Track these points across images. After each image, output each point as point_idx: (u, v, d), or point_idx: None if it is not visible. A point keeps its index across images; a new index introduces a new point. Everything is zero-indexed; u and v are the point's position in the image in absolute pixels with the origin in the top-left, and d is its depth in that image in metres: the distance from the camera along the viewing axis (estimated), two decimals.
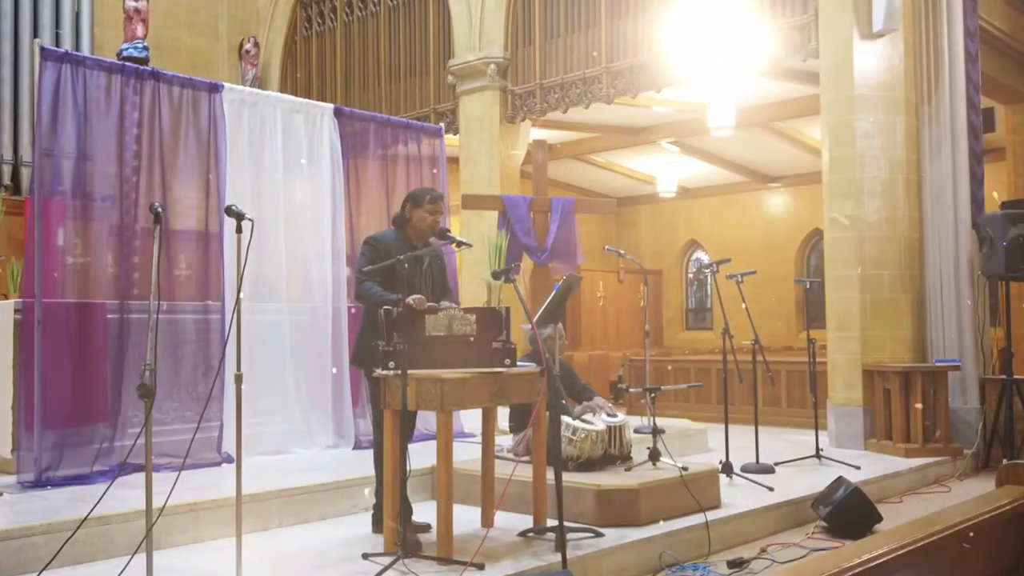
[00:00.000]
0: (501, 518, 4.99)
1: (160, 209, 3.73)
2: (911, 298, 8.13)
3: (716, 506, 5.52)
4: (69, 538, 4.08)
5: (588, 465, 5.44)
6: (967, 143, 8.14)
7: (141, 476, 3.53)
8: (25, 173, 10.57)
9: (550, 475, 4.52)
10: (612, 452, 5.59)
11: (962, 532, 2.44)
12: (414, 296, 4.51)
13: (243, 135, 6.80)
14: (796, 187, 14.60)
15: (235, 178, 6.62)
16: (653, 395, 6.51)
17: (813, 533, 5.59)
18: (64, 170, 5.92)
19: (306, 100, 7.81)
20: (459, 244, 4.91)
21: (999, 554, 2.69)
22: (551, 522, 4.72)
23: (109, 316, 5.95)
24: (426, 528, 4.91)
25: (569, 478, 5.01)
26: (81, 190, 5.99)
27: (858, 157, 7.95)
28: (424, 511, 5.05)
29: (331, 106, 7.56)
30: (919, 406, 7.50)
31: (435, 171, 7.98)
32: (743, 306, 6.75)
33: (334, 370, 7.01)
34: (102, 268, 6.06)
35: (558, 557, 4.25)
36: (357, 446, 6.96)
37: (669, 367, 11.20)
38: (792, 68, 9.58)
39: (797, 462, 7.08)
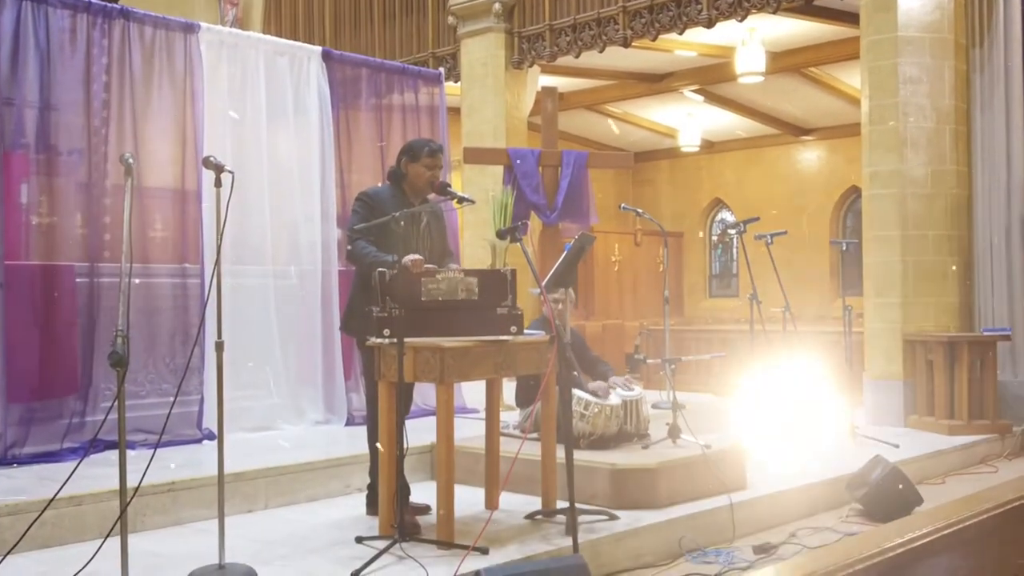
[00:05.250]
0: (506, 499, 5.01)
1: (131, 160, 3.70)
2: (957, 261, 8.09)
3: (741, 487, 5.53)
4: (36, 519, 4.11)
5: (602, 442, 5.46)
6: (1022, 91, 8.06)
7: (114, 453, 3.54)
8: None
9: (560, 453, 4.53)
10: (628, 428, 5.61)
11: (1012, 512, 2.43)
12: (411, 256, 4.49)
13: (222, 81, 6.76)
14: (832, 140, 14.50)
15: (214, 129, 6.60)
16: (673, 367, 6.53)
17: (847, 516, 5.61)
18: (27, 121, 5.91)
19: (292, 42, 7.75)
20: (461, 200, 4.88)
21: None
22: (561, 504, 4.73)
23: (78, 280, 5.96)
24: (425, 510, 4.93)
25: (581, 456, 5.01)
26: (46, 143, 5.98)
27: (901, 105, 7.87)
28: (423, 492, 5.07)
29: (319, 49, 7.51)
30: None
31: (434, 121, 7.93)
32: (773, 270, 6.73)
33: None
34: (70, 228, 6.06)
35: (569, 541, 4.28)
36: (350, 422, 6.99)
37: (690, 337, 11.19)
38: (828, 7, 9.46)
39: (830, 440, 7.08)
